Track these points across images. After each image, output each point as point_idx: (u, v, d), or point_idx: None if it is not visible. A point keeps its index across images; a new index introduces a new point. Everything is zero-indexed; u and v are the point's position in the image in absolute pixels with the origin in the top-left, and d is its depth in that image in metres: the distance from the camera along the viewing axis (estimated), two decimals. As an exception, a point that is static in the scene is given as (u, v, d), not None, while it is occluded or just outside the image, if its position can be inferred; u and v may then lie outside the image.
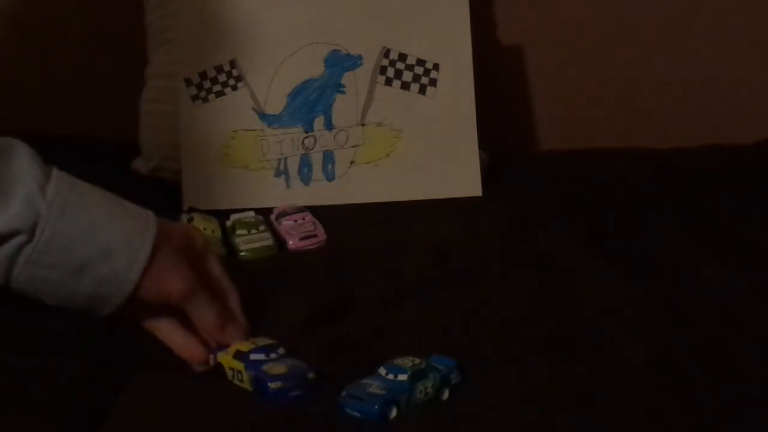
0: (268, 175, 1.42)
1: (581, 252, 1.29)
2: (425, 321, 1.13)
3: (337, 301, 1.17)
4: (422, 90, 1.45)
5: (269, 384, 0.96)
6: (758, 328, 1.11)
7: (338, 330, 1.11)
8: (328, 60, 1.44)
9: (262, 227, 1.30)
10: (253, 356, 0.99)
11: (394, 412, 0.94)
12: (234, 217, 1.32)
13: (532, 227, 1.36)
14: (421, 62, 1.45)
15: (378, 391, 0.94)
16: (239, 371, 0.98)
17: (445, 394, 0.98)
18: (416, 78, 1.45)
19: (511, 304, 1.16)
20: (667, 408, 0.97)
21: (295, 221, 1.32)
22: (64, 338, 1.07)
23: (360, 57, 1.44)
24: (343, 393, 0.95)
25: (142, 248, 0.95)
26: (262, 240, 1.28)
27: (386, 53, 1.45)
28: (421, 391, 0.96)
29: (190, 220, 1.30)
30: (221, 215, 1.33)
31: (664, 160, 1.57)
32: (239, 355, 0.99)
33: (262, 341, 1.01)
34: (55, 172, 0.95)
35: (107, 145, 1.57)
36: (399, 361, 0.98)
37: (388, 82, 1.45)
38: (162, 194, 1.42)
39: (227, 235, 1.30)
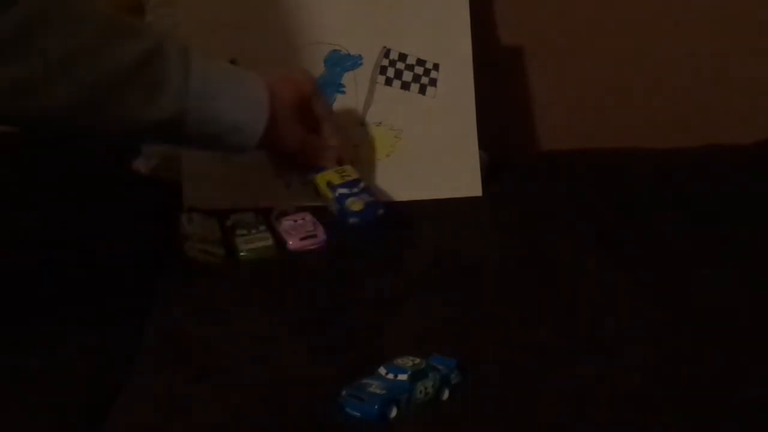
0: (268, 176, 1.42)
1: (581, 252, 1.29)
2: (425, 321, 1.13)
3: (337, 301, 1.17)
4: (422, 90, 1.45)
5: (349, 219, 1.26)
6: (758, 328, 1.11)
7: (338, 330, 1.11)
8: (327, 60, 1.43)
9: (262, 227, 1.30)
10: (340, 190, 1.27)
11: (394, 412, 0.94)
12: (234, 217, 1.32)
13: (532, 227, 1.36)
14: (421, 62, 1.45)
15: (378, 391, 0.94)
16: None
17: (445, 394, 0.98)
18: (416, 78, 1.45)
19: (511, 304, 1.16)
20: (668, 408, 0.97)
21: (295, 221, 1.32)
22: (64, 339, 1.07)
23: (360, 57, 1.44)
24: (343, 393, 0.95)
25: (259, 123, 1.19)
26: (262, 240, 1.28)
27: (386, 53, 1.44)
28: (421, 391, 0.96)
29: (190, 220, 1.30)
30: (221, 215, 1.33)
31: (664, 160, 1.57)
32: (330, 186, 1.27)
33: (350, 173, 1.29)
34: (197, 65, 1.13)
35: (107, 145, 1.56)
36: (399, 361, 0.98)
37: (388, 82, 1.44)
38: (162, 194, 1.42)
39: (227, 235, 1.30)
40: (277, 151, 1.26)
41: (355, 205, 1.27)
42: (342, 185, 1.29)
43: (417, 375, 0.96)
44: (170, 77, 1.10)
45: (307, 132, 1.28)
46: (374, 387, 0.95)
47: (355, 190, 1.29)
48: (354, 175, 1.30)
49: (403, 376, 0.96)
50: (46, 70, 1.01)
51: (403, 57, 1.44)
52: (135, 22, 1.14)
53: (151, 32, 1.14)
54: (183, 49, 1.13)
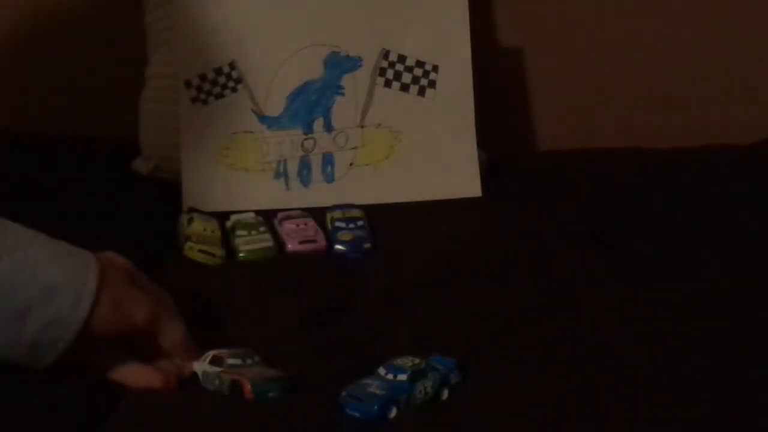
0: (268, 177, 1.42)
1: (581, 252, 1.29)
2: (425, 321, 1.13)
3: (337, 301, 1.17)
4: (421, 91, 1.45)
5: (335, 246, 1.26)
6: (759, 327, 1.11)
7: (338, 330, 1.11)
8: (327, 62, 1.44)
9: (262, 228, 1.30)
10: (337, 223, 1.26)
11: (393, 412, 0.94)
12: (234, 217, 1.32)
13: (532, 227, 1.36)
14: (420, 64, 1.45)
15: (378, 391, 0.94)
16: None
17: (445, 394, 0.98)
18: (415, 80, 1.45)
19: (511, 305, 1.16)
20: (668, 409, 0.97)
21: (297, 225, 1.32)
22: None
23: (359, 59, 1.44)
24: (343, 393, 0.95)
25: (88, 282, 0.92)
26: (262, 241, 1.28)
27: (385, 55, 1.44)
28: (420, 391, 0.96)
29: (190, 220, 1.31)
30: (221, 216, 1.33)
31: (664, 160, 1.57)
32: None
33: (355, 214, 1.29)
34: None
35: (107, 145, 1.57)
36: (399, 361, 0.98)
37: (388, 83, 1.45)
38: (162, 194, 1.42)
39: (227, 236, 1.30)
40: (127, 324, 0.96)
41: (345, 235, 1.29)
42: (341, 220, 1.32)
43: (416, 375, 0.96)
44: None
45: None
46: (374, 387, 0.95)
47: (352, 225, 1.31)
48: (358, 215, 1.34)
49: (402, 377, 0.96)
50: None
51: (402, 59, 1.45)
52: None
53: None
54: None
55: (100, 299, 0.92)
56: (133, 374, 0.97)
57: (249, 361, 0.99)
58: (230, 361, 0.98)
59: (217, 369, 0.98)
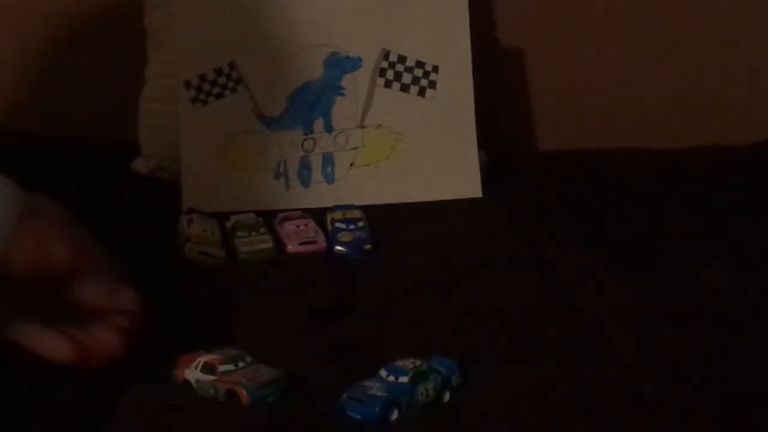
0: (268, 178, 1.42)
1: (581, 252, 1.29)
2: (426, 323, 1.13)
3: (338, 303, 1.17)
4: (422, 92, 1.45)
5: (335, 247, 1.25)
6: (759, 328, 1.11)
7: (339, 331, 1.11)
8: (327, 62, 1.43)
9: (262, 229, 1.30)
10: (338, 224, 1.25)
11: (395, 415, 0.94)
12: (234, 218, 1.32)
13: (532, 228, 1.36)
14: (420, 64, 1.45)
15: (379, 393, 0.94)
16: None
17: (446, 396, 0.98)
18: (416, 80, 1.45)
19: (512, 306, 1.16)
20: (668, 409, 0.97)
21: (297, 226, 1.32)
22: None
23: (359, 59, 1.44)
24: (344, 395, 0.95)
25: (7, 214, 0.90)
26: (262, 242, 1.28)
27: (386, 55, 1.44)
28: (422, 393, 0.96)
29: (190, 221, 1.30)
30: (221, 217, 1.33)
31: (664, 160, 1.57)
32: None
33: (356, 215, 1.28)
34: None
35: (107, 145, 1.57)
36: (400, 363, 0.98)
37: (388, 84, 1.45)
38: (162, 194, 1.42)
39: (227, 237, 1.30)
40: (45, 263, 0.93)
41: (345, 236, 1.29)
42: (341, 221, 1.32)
43: (418, 377, 0.96)
44: None
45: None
46: (375, 389, 0.95)
47: (352, 226, 1.31)
48: (359, 216, 1.33)
49: (404, 379, 0.96)
50: None
51: (402, 59, 1.44)
52: None
53: None
54: None
55: (21, 233, 0.90)
56: (45, 342, 0.94)
57: (241, 364, 0.98)
58: (222, 368, 0.97)
59: (210, 378, 0.97)
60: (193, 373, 0.98)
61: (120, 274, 0.99)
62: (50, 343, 0.93)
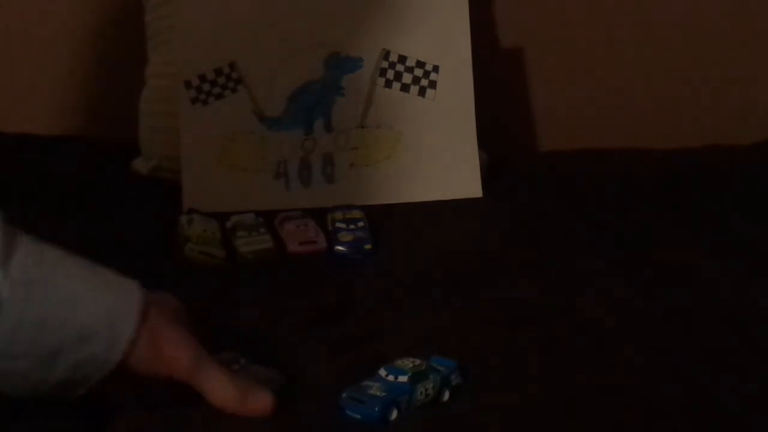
0: (268, 178, 1.42)
1: (581, 252, 1.29)
2: (425, 322, 1.13)
3: (338, 302, 1.17)
4: (422, 92, 1.45)
5: (336, 247, 1.26)
6: (759, 328, 1.11)
7: (338, 331, 1.11)
8: (327, 62, 1.43)
9: (262, 230, 1.30)
10: (339, 224, 1.26)
11: (394, 414, 0.94)
12: (234, 218, 1.32)
13: (533, 228, 1.36)
14: (420, 64, 1.45)
15: (378, 393, 0.94)
16: None
17: (446, 396, 0.98)
18: (416, 80, 1.45)
19: (512, 305, 1.16)
20: (668, 409, 0.97)
21: (297, 226, 1.32)
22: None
23: (360, 59, 1.44)
24: (344, 395, 0.95)
25: (126, 324, 0.83)
26: (263, 242, 1.28)
27: (386, 55, 1.44)
28: (421, 393, 0.96)
29: (190, 221, 1.30)
30: (221, 217, 1.33)
31: (664, 160, 1.57)
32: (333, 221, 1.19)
33: (356, 215, 1.30)
34: (21, 241, 0.81)
35: (107, 145, 1.57)
36: (399, 363, 0.97)
37: (388, 84, 1.45)
38: (162, 194, 1.42)
39: (227, 237, 1.30)
40: (164, 368, 0.87)
41: (345, 236, 1.29)
42: (341, 221, 1.32)
43: (417, 376, 0.96)
44: None
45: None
46: (374, 389, 0.95)
47: (352, 226, 1.31)
48: (359, 216, 1.33)
49: (403, 378, 0.96)
50: None
51: (402, 59, 1.44)
52: None
53: None
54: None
55: (138, 341, 0.84)
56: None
57: (236, 367, 0.95)
58: None
59: None
60: None
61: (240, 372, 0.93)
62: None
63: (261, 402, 0.90)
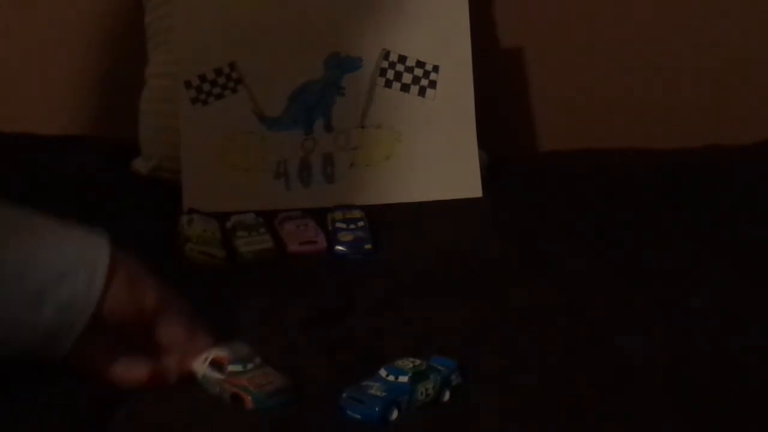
0: (268, 178, 1.42)
1: (582, 252, 1.29)
2: (426, 322, 1.13)
3: (338, 302, 1.17)
4: (422, 92, 1.45)
5: (336, 247, 1.25)
6: (759, 328, 1.11)
7: (338, 331, 1.11)
8: (327, 62, 1.44)
9: (262, 229, 1.30)
10: (338, 224, 1.25)
11: (394, 414, 0.94)
12: (234, 218, 1.32)
13: (533, 228, 1.36)
14: (420, 64, 1.45)
15: (378, 393, 0.94)
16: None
17: (446, 396, 0.98)
18: (416, 80, 1.45)
19: (512, 305, 1.16)
20: (669, 410, 0.97)
21: (297, 226, 1.32)
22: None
23: (360, 59, 1.44)
24: (344, 395, 0.95)
25: (102, 261, 0.91)
26: (263, 242, 1.28)
27: (386, 55, 1.44)
28: (421, 393, 0.96)
29: (191, 221, 1.30)
30: (221, 217, 1.33)
31: (664, 160, 1.57)
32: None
33: (355, 215, 1.28)
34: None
35: (107, 145, 1.57)
36: (399, 363, 0.98)
37: (388, 84, 1.45)
38: (162, 194, 1.42)
39: (227, 237, 1.30)
40: (137, 306, 0.95)
41: (345, 236, 1.29)
42: (341, 221, 1.32)
43: (418, 376, 0.96)
44: None
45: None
46: (375, 389, 0.95)
47: (352, 226, 1.31)
48: (359, 216, 1.33)
49: (403, 378, 0.96)
50: None
51: (402, 59, 1.44)
52: None
53: None
54: None
55: (113, 277, 0.92)
56: (127, 368, 0.96)
57: (250, 365, 0.97)
58: (231, 368, 0.96)
59: (218, 376, 0.96)
60: (200, 366, 0.98)
61: (193, 314, 1.00)
62: (137, 371, 0.96)
63: (204, 341, 0.98)
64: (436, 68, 1.45)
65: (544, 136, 1.70)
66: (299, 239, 1.30)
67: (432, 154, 1.44)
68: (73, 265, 0.90)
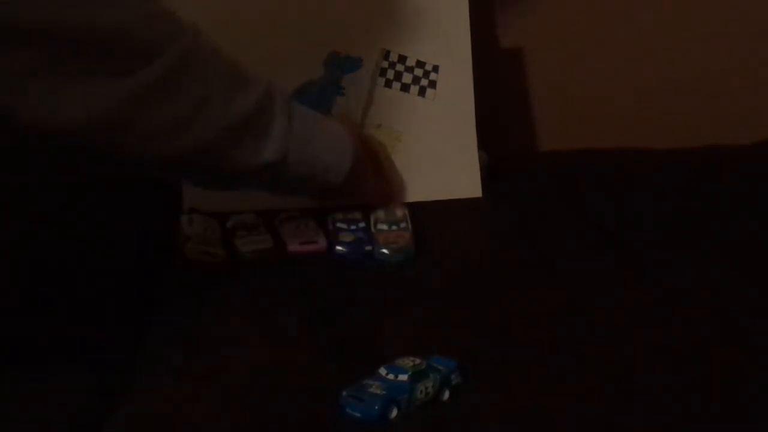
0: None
1: (582, 252, 1.29)
2: (425, 321, 1.13)
3: (338, 302, 1.17)
4: (422, 92, 1.45)
5: (336, 248, 1.28)
6: (759, 328, 1.11)
7: (338, 330, 1.11)
8: (327, 62, 1.43)
9: (262, 229, 1.30)
10: (339, 224, 1.31)
11: (394, 413, 0.94)
12: (234, 218, 1.32)
13: (533, 228, 1.36)
14: (420, 64, 1.45)
15: (378, 392, 0.94)
16: None
17: (446, 395, 0.98)
18: (416, 80, 1.45)
19: (512, 305, 1.16)
20: (669, 409, 0.97)
21: (297, 226, 1.32)
22: (64, 339, 1.07)
23: (360, 59, 1.44)
24: (344, 393, 0.95)
25: (345, 165, 1.25)
26: (263, 242, 1.28)
27: (386, 55, 1.44)
28: (421, 392, 0.96)
29: (191, 220, 1.30)
30: (221, 216, 1.33)
31: (664, 160, 1.57)
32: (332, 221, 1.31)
33: (356, 216, 1.34)
34: (296, 112, 1.20)
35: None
36: (399, 362, 0.98)
37: (388, 84, 1.44)
38: (162, 194, 1.42)
39: (227, 237, 1.30)
40: (351, 194, 1.31)
41: (346, 237, 1.29)
42: (342, 221, 1.32)
43: (417, 375, 0.96)
44: (277, 121, 1.17)
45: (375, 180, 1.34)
46: (374, 387, 0.95)
47: (353, 227, 1.31)
48: (359, 216, 1.33)
49: (403, 377, 0.96)
50: (186, 113, 1.08)
51: (402, 59, 1.44)
52: (245, 69, 1.19)
53: (259, 79, 1.19)
54: (284, 93, 1.20)
55: (349, 172, 1.26)
56: (378, 194, 1.36)
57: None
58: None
59: None
60: None
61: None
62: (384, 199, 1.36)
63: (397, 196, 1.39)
64: (436, 68, 1.45)
65: (544, 136, 1.70)
66: (299, 239, 1.30)
67: (432, 154, 1.44)
68: (333, 166, 1.25)
